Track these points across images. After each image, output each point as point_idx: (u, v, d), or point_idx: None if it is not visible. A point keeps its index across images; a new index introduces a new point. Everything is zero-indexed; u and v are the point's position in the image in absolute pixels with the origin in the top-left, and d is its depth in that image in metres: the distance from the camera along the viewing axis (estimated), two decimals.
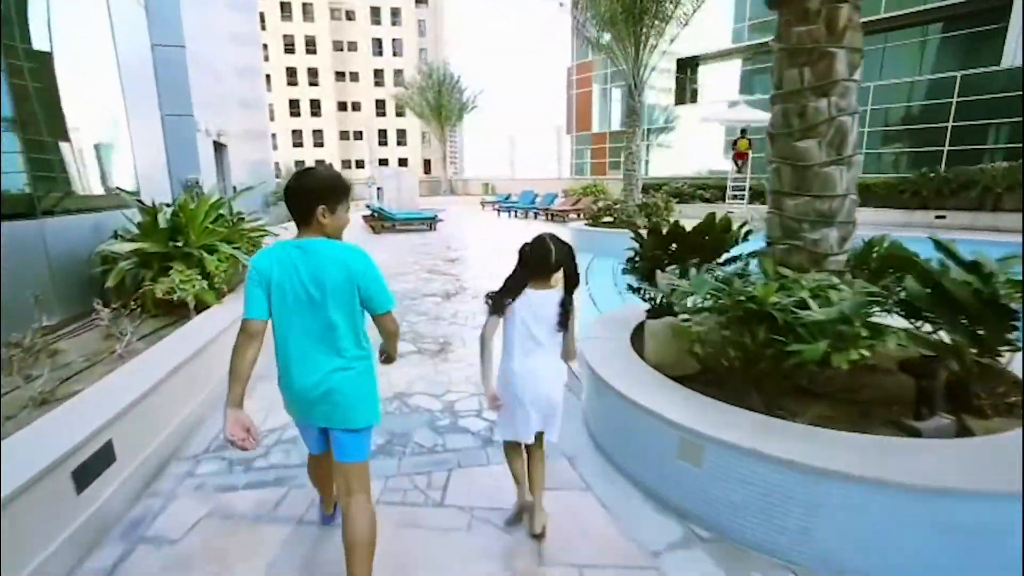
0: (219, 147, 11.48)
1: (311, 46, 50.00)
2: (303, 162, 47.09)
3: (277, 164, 28.13)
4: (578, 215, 16.45)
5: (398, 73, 50.88)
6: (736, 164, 15.86)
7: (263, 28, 35.09)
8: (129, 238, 4.79)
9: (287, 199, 1.76)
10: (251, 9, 17.10)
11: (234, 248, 5.05)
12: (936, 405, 2.33)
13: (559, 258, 2.07)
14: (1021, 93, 14.86)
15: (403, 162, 50.48)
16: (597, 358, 3.18)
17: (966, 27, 17.39)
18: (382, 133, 53.17)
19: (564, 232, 8.72)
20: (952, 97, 16.67)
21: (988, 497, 1.81)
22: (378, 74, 52.55)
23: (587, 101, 31.28)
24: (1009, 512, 1.76)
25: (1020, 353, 2.46)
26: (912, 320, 2.65)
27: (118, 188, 5.63)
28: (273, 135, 32.32)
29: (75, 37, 5.20)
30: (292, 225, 1.83)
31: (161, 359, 3.28)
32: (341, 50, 51.47)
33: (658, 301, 3.73)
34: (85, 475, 2.17)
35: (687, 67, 26.19)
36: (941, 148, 16.76)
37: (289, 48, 49.45)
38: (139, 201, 5.15)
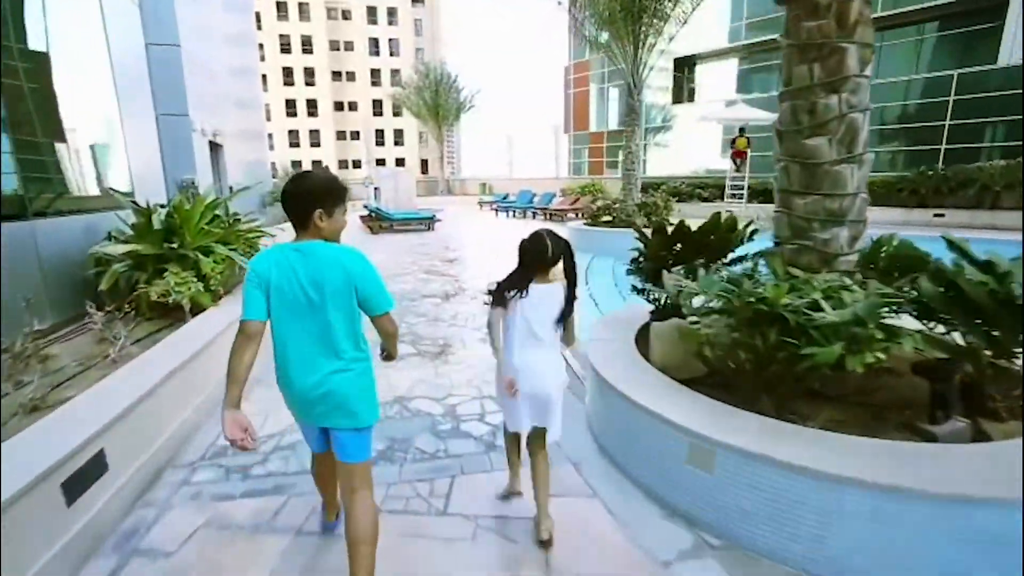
0: (215, 147, 11.37)
1: (307, 46, 49.81)
2: (300, 162, 46.94)
3: (274, 164, 27.97)
4: (576, 214, 16.40)
5: (395, 73, 50.73)
6: (735, 163, 15.83)
7: (259, 28, 34.91)
8: (123, 240, 4.71)
9: (284, 203, 1.76)
10: (247, 8, 16.99)
11: (230, 249, 4.96)
12: (952, 408, 2.28)
13: (556, 252, 2.12)
14: (1017, 91, 14.89)
15: (400, 162, 50.35)
16: (601, 360, 3.11)
17: (962, 26, 17.42)
18: (379, 133, 53.02)
19: (563, 232, 8.65)
20: (949, 96, 16.69)
21: (1008, 505, 1.76)
22: (375, 74, 52.39)
23: (584, 100, 31.24)
24: None
25: None
26: (924, 321, 2.59)
27: (112, 189, 5.54)
28: (269, 135, 32.15)
29: (67, 35, 5.11)
30: (289, 226, 1.83)
31: (156, 363, 3.20)
32: (338, 50, 51.29)
33: (662, 302, 3.67)
34: (76, 486, 2.10)
35: (684, 66, 26.18)
36: (938, 147, 16.78)
37: (285, 48, 49.24)
38: (133, 202, 5.06)
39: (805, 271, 2.61)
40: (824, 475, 1.92)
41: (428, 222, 15.14)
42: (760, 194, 15.81)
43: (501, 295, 2.17)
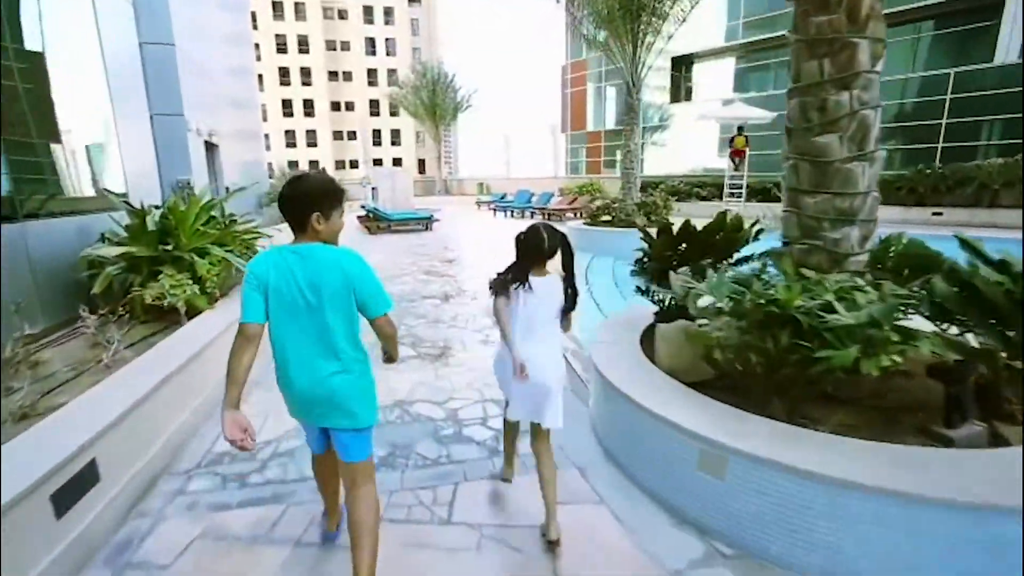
0: (211, 147, 11.26)
1: (304, 45, 49.62)
2: (296, 163, 46.79)
3: (270, 165, 27.84)
4: (575, 214, 16.34)
5: (392, 72, 50.57)
6: (733, 162, 15.79)
7: (255, 27, 34.70)
8: (116, 241, 4.63)
9: (281, 206, 1.77)
10: (242, 8, 16.87)
11: (226, 251, 4.88)
12: (967, 411, 2.22)
13: (552, 244, 2.17)
14: (1013, 90, 14.92)
15: (397, 162, 50.20)
16: (606, 363, 3.05)
17: (958, 24, 17.45)
18: (376, 133, 52.86)
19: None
20: (946, 94, 16.72)
21: None
22: (372, 73, 52.23)
23: (582, 100, 31.21)
24: None
25: None
26: (936, 322, 2.54)
27: (105, 189, 5.45)
28: (266, 135, 31.96)
29: (58, 34, 5.02)
30: (286, 226, 1.82)
31: (150, 368, 3.12)
32: (334, 49, 51.12)
33: (667, 303, 3.61)
34: (65, 498, 2.02)
35: (682, 65, 26.18)
36: (935, 145, 16.81)
37: (281, 48, 49.04)
38: (127, 203, 4.97)
39: (815, 271, 2.55)
40: (841, 482, 1.86)
41: (426, 222, 15.05)
42: (759, 193, 15.78)
43: (505, 285, 2.19)
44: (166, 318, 4.18)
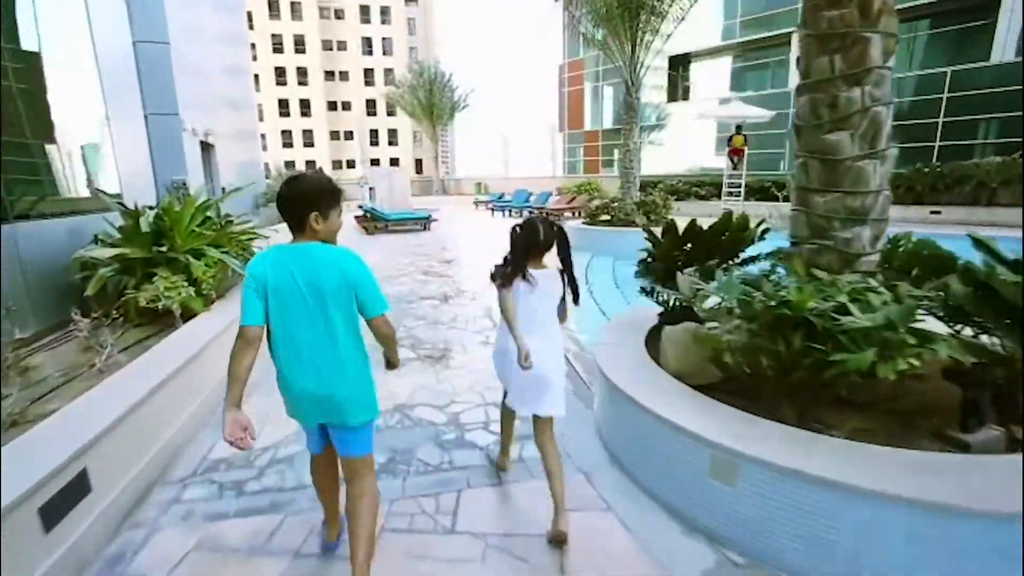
0: (206, 147, 11.16)
1: (300, 45, 49.43)
2: (293, 163, 46.58)
3: (267, 165, 27.70)
4: (573, 214, 16.28)
5: (388, 72, 50.41)
6: (732, 161, 15.76)
7: (251, 27, 34.48)
8: (110, 243, 4.54)
9: (280, 206, 1.77)
10: (238, 8, 16.75)
11: (223, 252, 4.80)
12: (985, 415, 2.17)
13: (548, 237, 2.20)
14: (1009, 88, 14.94)
15: (394, 162, 50.05)
16: (611, 366, 2.99)
17: (955, 23, 17.47)
18: (373, 133, 52.71)
19: None
20: (942, 93, 16.74)
21: None
22: (368, 73, 52.07)
23: (579, 99, 31.15)
24: None
25: None
26: (950, 323, 2.49)
27: (98, 190, 5.36)
28: (262, 135, 31.78)
29: (49, 32, 4.93)
30: (283, 227, 1.81)
31: (145, 372, 3.04)
32: (330, 49, 50.94)
33: (671, 304, 3.55)
34: (55, 511, 1.94)
35: (679, 64, 26.15)
36: (932, 144, 16.81)
37: (278, 47, 48.84)
38: (120, 203, 4.88)
39: (825, 272, 2.49)
40: (859, 490, 1.80)
41: (424, 222, 14.96)
42: (757, 192, 15.76)
43: (511, 276, 2.20)
44: (161, 321, 4.10)
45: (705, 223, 3.53)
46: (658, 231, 3.65)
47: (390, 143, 53.10)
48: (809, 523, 1.92)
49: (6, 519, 1.73)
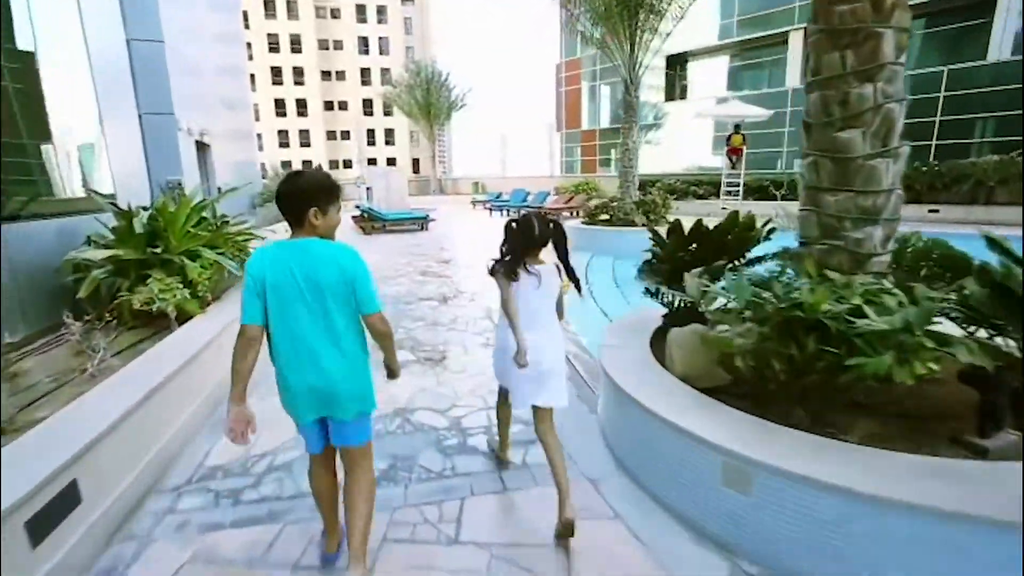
0: (202, 147, 11.04)
1: (296, 45, 49.23)
2: (290, 162, 46.40)
3: (263, 165, 27.53)
4: (571, 213, 16.22)
5: (385, 72, 50.26)
6: (730, 160, 15.74)
7: (247, 26, 34.34)
8: (103, 244, 4.45)
9: (279, 202, 1.79)
10: (234, 7, 16.61)
11: (218, 253, 4.72)
12: (1003, 420, 2.11)
13: (543, 232, 2.21)
14: (1007, 87, 14.97)
15: (391, 161, 49.90)
16: (617, 369, 2.92)
17: (951, 22, 17.51)
18: (370, 132, 52.54)
19: None
20: (939, 92, 16.76)
21: None
22: (365, 73, 51.90)
23: (576, 99, 31.12)
24: None
25: None
26: (963, 325, 2.43)
27: (91, 190, 5.26)
28: (259, 135, 31.65)
29: (39, 29, 4.83)
30: (279, 227, 1.75)
31: (138, 377, 2.96)
32: (327, 48, 50.76)
33: (676, 305, 3.49)
34: (42, 524, 1.86)
35: (676, 63, 26.14)
36: (929, 142, 16.83)
37: (274, 47, 48.63)
38: (113, 204, 4.79)
39: (837, 273, 2.43)
40: (878, 498, 1.74)
41: (421, 222, 14.87)
42: (755, 191, 15.74)
43: (513, 270, 2.21)
44: (155, 324, 4.02)
45: (706, 222, 3.47)
46: (662, 231, 3.58)
47: (387, 143, 52.94)
48: (825, 532, 1.86)
49: None
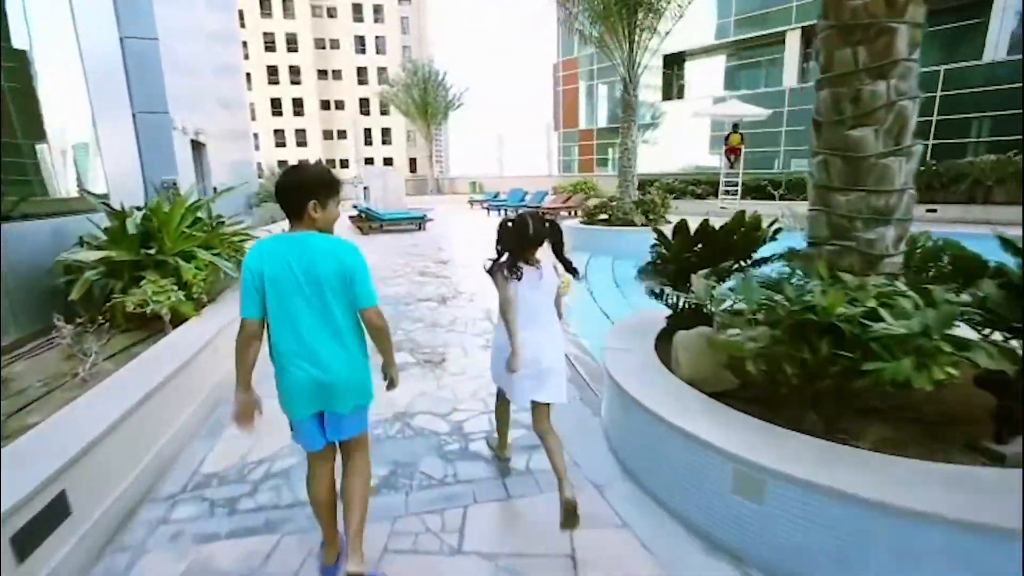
0: (197, 147, 10.93)
1: (292, 44, 48.99)
2: (286, 162, 46.11)
3: (259, 164, 27.39)
4: (570, 213, 16.16)
5: (382, 71, 50.09)
6: (729, 159, 15.73)
7: (242, 25, 34.10)
8: (96, 245, 4.36)
9: (279, 195, 1.79)
10: (230, 6, 16.49)
11: (214, 254, 4.64)
12: (1020, 425, 2.06)
13: (538, 231, 2.20)
14: (1004, 87, 15.00)
15: (388, 161, 49.74)
16: (622, 373, 2.86)
17: (947, 22, 17.52)
18: (367, 132, 52.32)
19: None
20: (936, 91, 16.77)
21: None
22: (361, 72, 51.70)
23: (574, 98, 31.05)
24: None
25: None
26: (979, 328, 2.38)
27: (84, 190, 5.17)
28: (255, 135, 31.46)
29: (33, 28, 4.74)
30: (276, 228, 1.72)
31: (132, 381, 2.89)
32: (323, 48, 50.54)
33: (680, 307, 3.44)
34: (29, 538, 1.79)
35: (674, 63, 26.10)
36: (926, 142, 16.84)
37: (270, 46, 48.38)
38: (105, 204, 4.70)
39: (848, 275, 2.38)
40: (897, 508, 1.68)
41: (419, 222, 14.78)
42: (753, 191, 15.72)
43: (513, 269, 2.19)
44: (149, 326, 3.94)
45: (703, 222, 3.42)
46: (668, 231, 3.53)
47: (384, 142, 52.76)
48: (844, 544, 1.81)
49: None
